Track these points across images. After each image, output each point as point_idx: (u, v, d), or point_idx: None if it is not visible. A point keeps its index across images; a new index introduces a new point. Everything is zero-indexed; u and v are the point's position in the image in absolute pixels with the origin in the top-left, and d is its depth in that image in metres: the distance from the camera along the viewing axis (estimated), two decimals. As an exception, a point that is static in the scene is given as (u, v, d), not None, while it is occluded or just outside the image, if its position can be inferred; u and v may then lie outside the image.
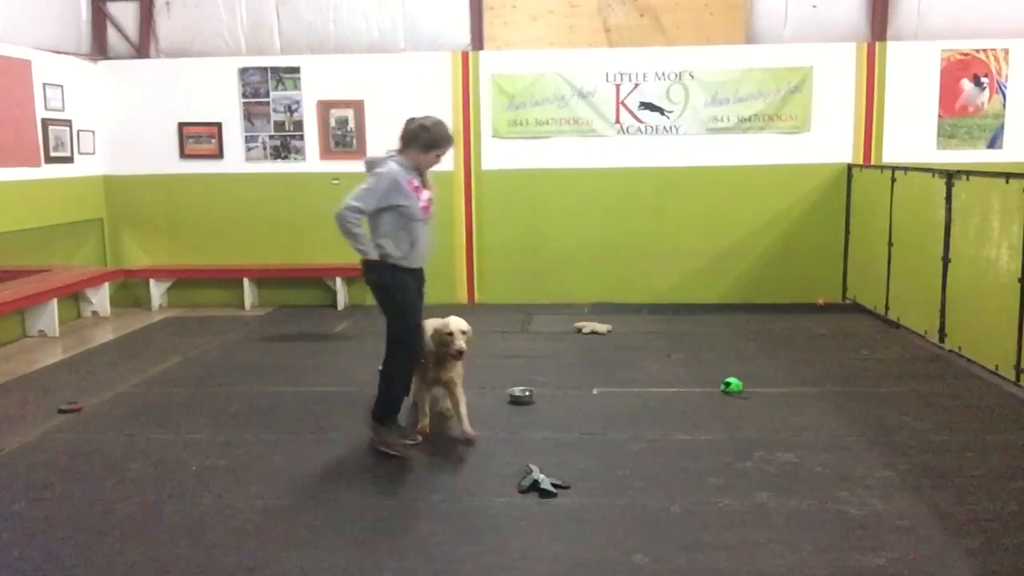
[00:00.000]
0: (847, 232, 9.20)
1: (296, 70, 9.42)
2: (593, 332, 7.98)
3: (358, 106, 9.43)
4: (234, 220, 9.66)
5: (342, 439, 5.20)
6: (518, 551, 3.74)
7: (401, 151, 5.01)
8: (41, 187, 8.62)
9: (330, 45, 9.62)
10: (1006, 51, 8.99)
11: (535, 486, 4.32)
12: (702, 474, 4.55)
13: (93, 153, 9.53)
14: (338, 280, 9.49)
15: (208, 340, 7.97)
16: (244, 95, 9.48)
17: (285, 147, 9.54)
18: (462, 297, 9.65)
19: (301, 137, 9.51)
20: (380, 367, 5.04)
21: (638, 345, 7.53)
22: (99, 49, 9.72)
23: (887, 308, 8.17)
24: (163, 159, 9.63)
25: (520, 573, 3.56)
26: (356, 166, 9.47)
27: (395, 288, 4.98)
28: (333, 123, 9.48)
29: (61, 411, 5.80)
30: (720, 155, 9.23)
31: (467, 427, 5.07)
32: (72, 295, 8.92)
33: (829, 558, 3.62)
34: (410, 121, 4.97)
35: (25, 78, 8.39)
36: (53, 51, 8.95)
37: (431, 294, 9.68)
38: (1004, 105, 9.07)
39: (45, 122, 8.66)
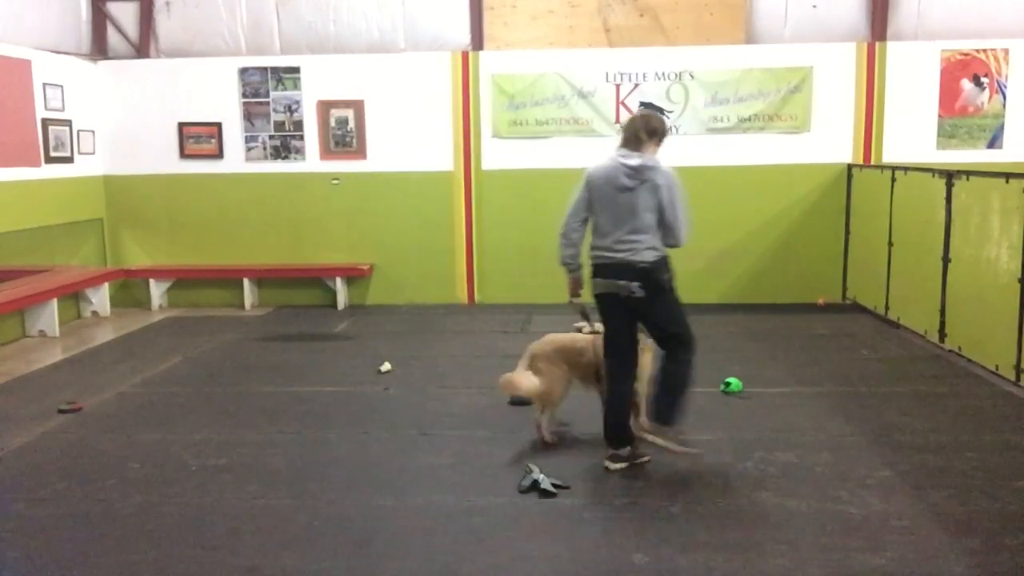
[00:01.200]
0: (847, 232, 9.20)
1: (296, 70, 9.42)
2: (593, 332, 7.96)
3: (358, 106, 9.43)
4: (234, 220, 9.66)
5: (342, 439, 5.20)
6: (518, 551, 3.74)
7: (645, 148, 4.58)
8: (41, 187, 8.62)
9: (330, 45, 9.61)
10: (1006, 51, 8.99)
11: (535, 486, 4.32)
12: (702, 474, 4.55)
13: (93, 153, 9.53)
14: (338, 280, 9.50)
15: (208, 340, 7.97)
16: (244, 95, 9.48)
17: (285, 147, 9.54)
18: (462, 297, 9.65)
19: (301, 137, 9.51)
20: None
21: (638, 345, 7.52)
22: (99, 49, 9.72)
23: (887, 308, 8.17)
24: (163, 159, 9.63)
25: (520, 573, 3.56)
26: (356, 166, 9.58)
27: (673, 283, 4.67)
28: (333, 123, 9.48)
29: (61, 411, 5.80)
30: (720, 155, 9.23)
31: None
32: (72, 295, 8.92)
33: (829, 558, 3.62)
34: (634, 120, 4.65)
35: (25, 78, 8.39)
36: (53, 51, 8.95)
37: (430, 294, 9.78)
38: (1004, 105, 9.06)
39: (45, 122, 8.66)
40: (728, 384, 6.03)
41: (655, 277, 4.54)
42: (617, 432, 4.66)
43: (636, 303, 4.57)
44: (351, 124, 9.47)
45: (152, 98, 9.57)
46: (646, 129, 4.58)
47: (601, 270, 4.66)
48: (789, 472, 4.56)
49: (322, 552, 3.75)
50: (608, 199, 4.57)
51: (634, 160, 4.53)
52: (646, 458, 4.70)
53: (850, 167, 9.15)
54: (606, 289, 4.64)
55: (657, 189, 4.49)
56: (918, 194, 7.45)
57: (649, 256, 4.54)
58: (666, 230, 4.57)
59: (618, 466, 4.62)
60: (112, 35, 9.80)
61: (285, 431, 5.36)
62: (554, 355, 5.02)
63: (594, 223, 4.70)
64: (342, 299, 9.55)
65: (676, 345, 4.61)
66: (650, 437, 4.74)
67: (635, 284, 4.54)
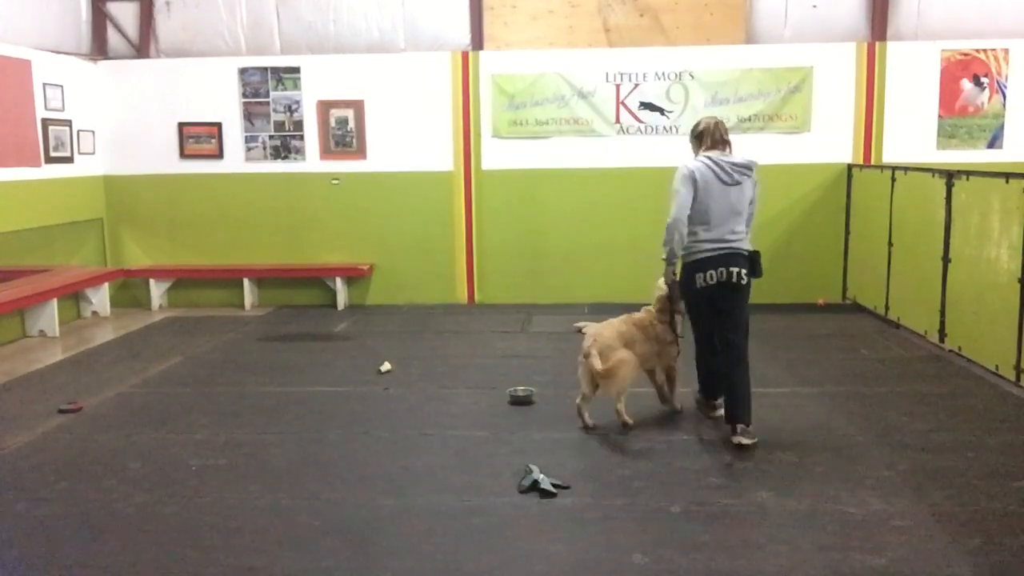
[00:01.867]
0: (847, 232, 9.20)
1: (296, 70, 9.42)
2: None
3: (358, 106, 9.43)
4: (234, 220, 9.66)
5: (342, 439, 5.20)
6: (518, 551, 3.74)
7: (729, 149, 5.12)
8: (41, 187, 8.62)
9: (330, 45, 9.61)
10: (1006, 51, 8.99)
11: (535, 486, 4.32)
12: (702, 474, 4.55)
13: (93, 153, 9.52)
14: (338, 280, 9.49)
15: (208, 340, 7.97)
16: (244, 95, 9.48)
17: (285, 147, 9.54)
18: (462, 297, 9.65)
19: (301, 137, 9.51)
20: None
21: (638, 345, 7.52)
22: (99, 49, 9.72)
23: (887, 308, 8.17)
24: (163, 159, 9.63)
25: (520, 573, 3.56)
26: (356, 166, 9.58)
27: None
28: (333, 123, 9.48)
29: (61, 411, 5.80)
30: (720, 155, 9.21)
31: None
32: (72, 295, 8.92)
33: (829, 558, 3.62)
34: (718, 125, 5.11)
35: (25, 78, 8.39)
36: (53, 51, 8.94)
37: (430, 294, 9.78)
38: (1004, 105, 9.06)
39: (45, 122, 8.66)
40: (728, 384, 6.01)
41: (756, 263, 5.01)
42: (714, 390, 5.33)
43: (736, 290, 4.95)
44: (351, 124, 9.47)
45: (152, 98, 9.56)
46: (726, 133, 5.11)
47: (713, 261, 4.92)
48: (789, 472, 4.56)
49: (322, 552, 3.75)
50: (720, 194, 4.91)
51: (737, 158, 5.01)
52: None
53: (850, 167, 9.15)
54: (719, 278, 4.92)
55: (755, 184, 5.05)
56: (918, 194, 7.45)
57: (749, 245, 5.03)
58: (749, 219, 5.08)
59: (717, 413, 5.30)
60: (112, 35, 9.79)
61: (285, 431, 5.36)
62: (615, 342, 5.14)
63: (699, 217, 4.95)
64: (342, 299, 9.55)
65: (741, 351, 5.01)
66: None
67: (743, 271, 4.94)
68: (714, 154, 4.98)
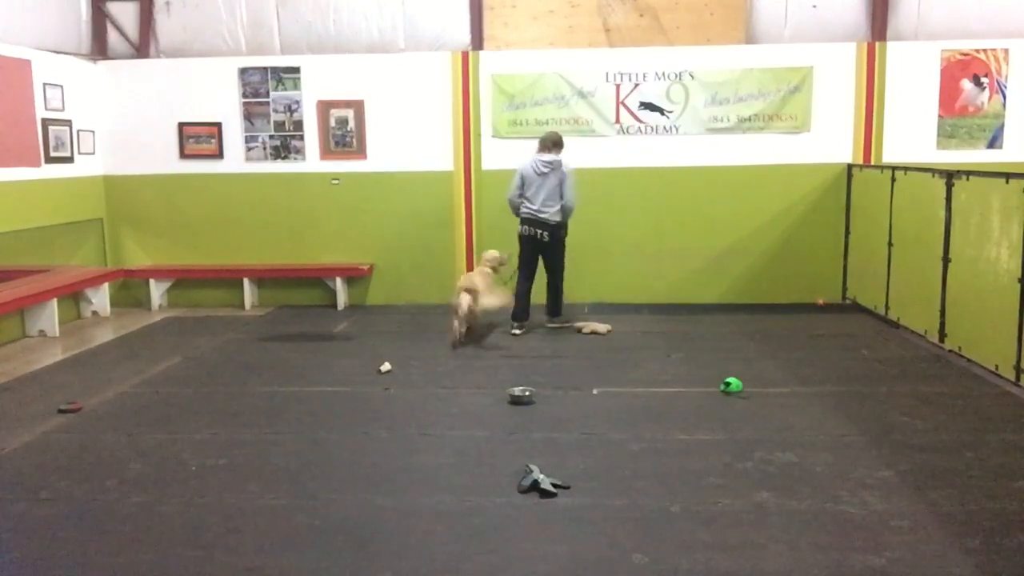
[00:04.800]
0: (847, 232, 9.20)
1: (296, 70, 9.42)
2: (593, 332, 7.98)
3: (358, 106, 9.43)
4: (234, 220, 9.66)
5: (342, 439, 5.20)
6: (518, 551, 3.74)
7: (553, 153, 7.97)
8: (41, 187, 8.62)
9: (330, 45, 9.62)
10: (1006, 51, 8.99)
11: (535, 486, 4.32)
12: (702, 474, 4.55)
13: (93, 153, 9.53)
14: (338, 280, 9.50)
15: (208, 340, 7.97)
16: (244, 95, 9.48)
17: (285, 147, 9.54)
18: (462, 297, 9.64)
19: (301, 137, 9.51)
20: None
21: (638, 345, 7.53)
22: (99, 49, 9.72)
23: (887, 308, 8.17)
24: (163, 159, 9.63)
25: (520, 573, 3.57)
26: (356, 166, 9.59)
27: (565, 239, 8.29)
28: (333, 123, 9.48)
29: (61, 411, 5.80)
30: (720, 155, 9.23)
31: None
32: (72, 295, 8.92)
33: (829, 558, 3.62)
34: (547, 137, 8.05)
35: (25, 78, 8.39)
36: (53, 51, 8.95)
37: (430, 294, 9.79)
38: (1004, 105, 9.06)
39: (45, 122, 8.66)
40: (728, 384, 6.03)
41: (556, 229, 7.86)
42: (524, 315, 8.12)
43: (543, 244, 7.91)
44: (351, 124, 9.47)
45: (152, 98, 9.56)
46: (552, 142, 7.94)
47: (527, 221, 7.87)
48: (789, 472, 4.56)
49: (322, 552, 3.76)
50: (534, 181, 7.78)
51: (547, 158, 7.80)
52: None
53: (850, 167, 9.15)
54: (529, 233, 7.88)
55: (562, 175, 7.80)
56: (918, 194, 7.45)
57: (557, 217, 7.82)
58: (562, 200, 7.84)
59: (521, 332, 8.04)
60: (112, 35, 9.79)
61: (285, 431, 5.36)
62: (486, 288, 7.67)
63: (525, 195, 7.83)
64: (342, 299, 9.55)
65: (555, 279, 8.18)
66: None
67: (545, 232, 7.83)
68: (537, 156, 7.84)
